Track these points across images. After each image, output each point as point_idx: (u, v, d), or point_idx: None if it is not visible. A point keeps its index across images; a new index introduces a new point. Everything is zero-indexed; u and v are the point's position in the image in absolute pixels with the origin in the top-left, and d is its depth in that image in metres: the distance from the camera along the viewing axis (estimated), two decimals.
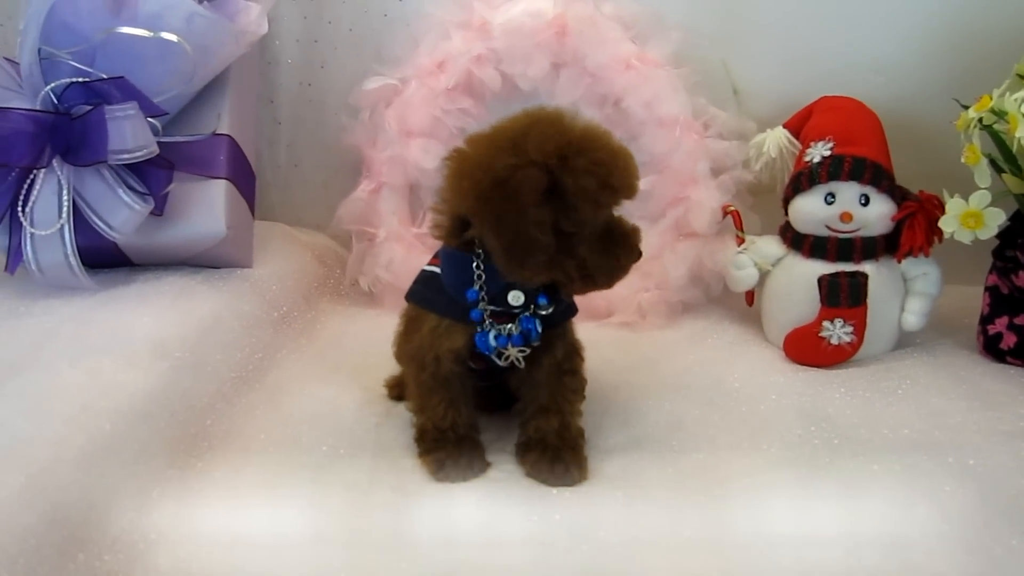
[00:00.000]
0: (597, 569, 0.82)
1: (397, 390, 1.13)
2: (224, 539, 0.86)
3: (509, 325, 0.93)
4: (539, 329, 0.93)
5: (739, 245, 1.31)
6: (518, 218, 0.84)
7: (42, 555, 0.74)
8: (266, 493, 0.93)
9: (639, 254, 0.93)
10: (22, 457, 0.81)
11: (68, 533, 0.77)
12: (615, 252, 0.91)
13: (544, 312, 0.93)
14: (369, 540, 0.86)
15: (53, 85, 1.14)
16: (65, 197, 1.13)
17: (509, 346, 0.93)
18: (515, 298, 0.92)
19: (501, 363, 0.95)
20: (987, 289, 1.23)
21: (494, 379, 1.03)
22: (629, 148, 0.91)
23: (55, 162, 1.13)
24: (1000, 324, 1.19)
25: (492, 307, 0.92)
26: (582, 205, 0.85)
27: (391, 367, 1.11)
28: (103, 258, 1.21)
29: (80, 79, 1.14)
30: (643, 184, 1.34)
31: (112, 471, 0.86)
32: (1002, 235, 1.16)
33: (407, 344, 1.01)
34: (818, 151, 1.22)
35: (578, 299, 1.00)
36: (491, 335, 0.93)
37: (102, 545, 0.80)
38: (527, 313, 0.93)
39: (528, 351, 0.95)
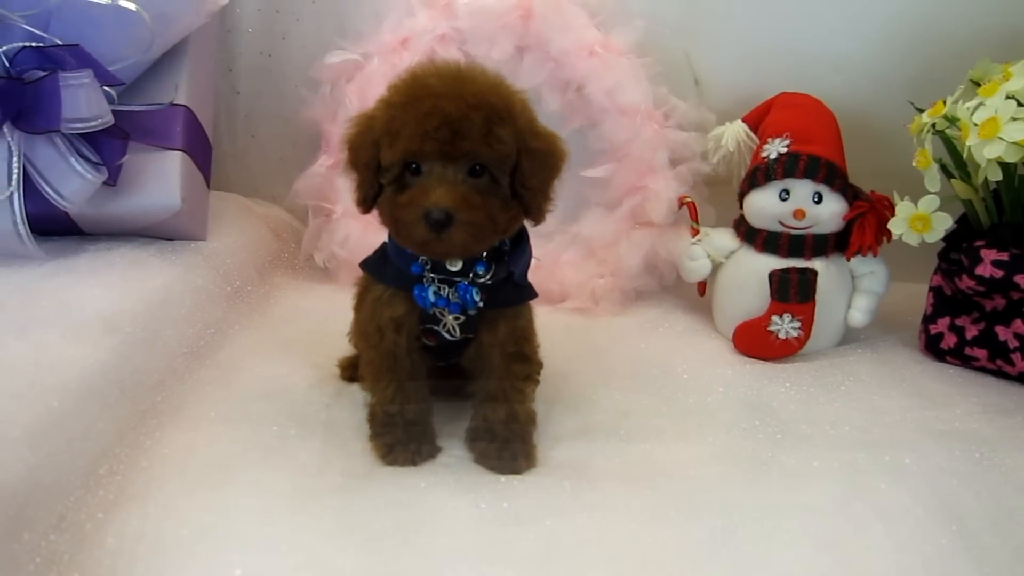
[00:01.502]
0: (543, 557, 0.83)
1: (350, 371, 1.13)
2: (172, 519, 0.85)
3: (448, 288, 0.93)
4: (476, 298, 0.93)
5: (693, 236, 1.33)
6: (354, 156, 0.91)
7: None
8: (215, 473, 0.93)
9: (431, 221, 0.83)
10: None
11: (13, 512, 0.77)
12: (398, 203, 0.86)
13: (482, 280, 0.93)
14: (317, 523, 0.87)
15: (5, 48, 1.11)
16: (15, 164, 1.11)
17: (447, 312, 0.94)
18: (453, 263, 0.92)
19: (441, 331, 0.96)
20: (931, 289, 1.26)
21: (448, 359, 1.03)
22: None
23: (5, 128, 1.11)
24: (942, 324, 1.23)
25: (434, 274, 0.93)
26: (381, 145, 0.87)
27: (344, 346, 1.11)
28: (53, 227, 1.19)
29: (33, 44, 1.11)
30: (602, 172, 1.38)
31: (59, 449, 0.85)
32: (948, 238, 1.19)
33: (358, 317, 1.02)
34: (775, 147, 1.24)
35: (532, 283, 1.00)
36: (430, 290, 0.93)
37: (48, 524, 0.80)
38: (466, 281, 0.93)
39: (463, 319, 0.95)
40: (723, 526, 0.88)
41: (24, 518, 0.78)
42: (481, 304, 0.93)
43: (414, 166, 0.86)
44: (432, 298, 0.93)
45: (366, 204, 0.92)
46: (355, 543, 0.84)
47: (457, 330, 0.96)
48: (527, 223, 0.94)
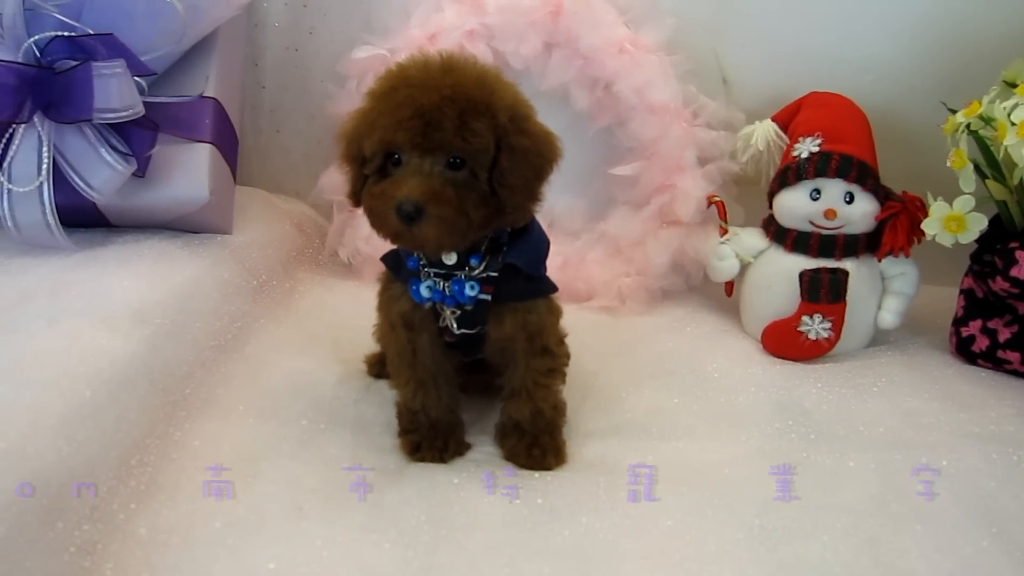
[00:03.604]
0: (580, 553, 0.83)
1: (377, 368, 1.12)
2: (204, 511, 0.85)
3: (445, 282, 0.91)
4: (469, 292, 0.91)
5: (722, 235, 1.32)
6: (343, 148, 0.90)
7: (22, 523, 0.73)
8: (246, 465, 0.93)
9: (402, 214, 0.82)
10: (1, 423, 0.79)
11: (48, 502, 0.76)
12: (373, 193, 0.86)
13: (477, 273, 0.91)
14: (350, 518, 0.86)
15: (37, 38, 1.10)
16: (45, 154, 1.11)
17: (444, 307, 0.93)
18: (447, 256, 0.90)
19: (441, 324, 0.95)
20: (962, 292, 1.25)
21: (471, 354, 1.02)
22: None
23: (36, 118, 1.10)
24: (974, 327, 1.21)
25: (434, 268, 0.91)
26: (363, 135, 0.86)
27: (370, 342, 1.10)
28: (80, 218, 1.18)
29: (65, 33, 1.11)
30: (630, 170, 1.37)
31: (92, 439, 0.84)
32: (981, 240, 1.17)
33: (379, 315, 1.01)
34: (806, 146, 1.23)
35: (558, 282, 0.99)
36: (423, 285, 0.92)
37: (81, 514, 0.79)
38: (461, 274, 0.91)
39: (459, 313, 0.93)
40: (761, 525, 0.87)
41: (58, 508, 0.77)
42: (486, 297, 0.92)
43: (396, 157, 0.85)
44: (426, 293, 0.92)
45: (354, 197, 0.91)
46: (389, 538, 0.84)
47: (455, 325, 0.94)
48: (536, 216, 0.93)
